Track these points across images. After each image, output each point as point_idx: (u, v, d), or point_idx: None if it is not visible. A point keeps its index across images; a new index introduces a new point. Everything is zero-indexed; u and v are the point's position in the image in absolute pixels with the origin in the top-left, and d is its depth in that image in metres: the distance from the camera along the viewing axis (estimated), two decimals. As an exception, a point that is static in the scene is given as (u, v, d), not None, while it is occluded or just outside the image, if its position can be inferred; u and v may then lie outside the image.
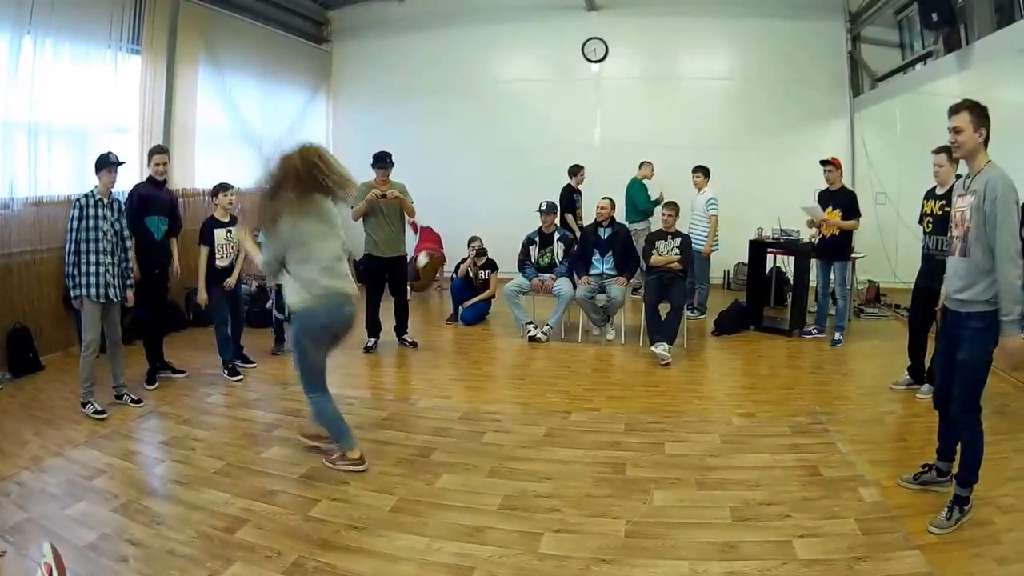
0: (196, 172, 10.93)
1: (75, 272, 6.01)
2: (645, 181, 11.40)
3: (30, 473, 4.86)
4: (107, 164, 6.19)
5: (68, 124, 8.69)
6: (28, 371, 7.46)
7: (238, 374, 7.41)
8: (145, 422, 6.04)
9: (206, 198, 10.37)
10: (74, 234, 6.02)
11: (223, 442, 5.56)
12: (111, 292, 6.16)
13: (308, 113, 14.71)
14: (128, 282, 6.44)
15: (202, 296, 7.42)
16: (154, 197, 7.13)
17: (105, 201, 6.18)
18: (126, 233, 6.46)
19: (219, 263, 7.48)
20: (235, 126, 12.30)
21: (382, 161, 8.19)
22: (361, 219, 8.20)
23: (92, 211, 6.07)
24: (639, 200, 11.18)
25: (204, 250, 7.44)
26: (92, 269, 6.04)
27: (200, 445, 5.47)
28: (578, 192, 11.61)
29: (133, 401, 6.41)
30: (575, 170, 11.68)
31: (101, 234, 6.10)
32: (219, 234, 7.49)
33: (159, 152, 7.30)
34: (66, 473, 4.89)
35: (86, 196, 6.11)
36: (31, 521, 4.15)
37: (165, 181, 7.32)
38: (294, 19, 13.97)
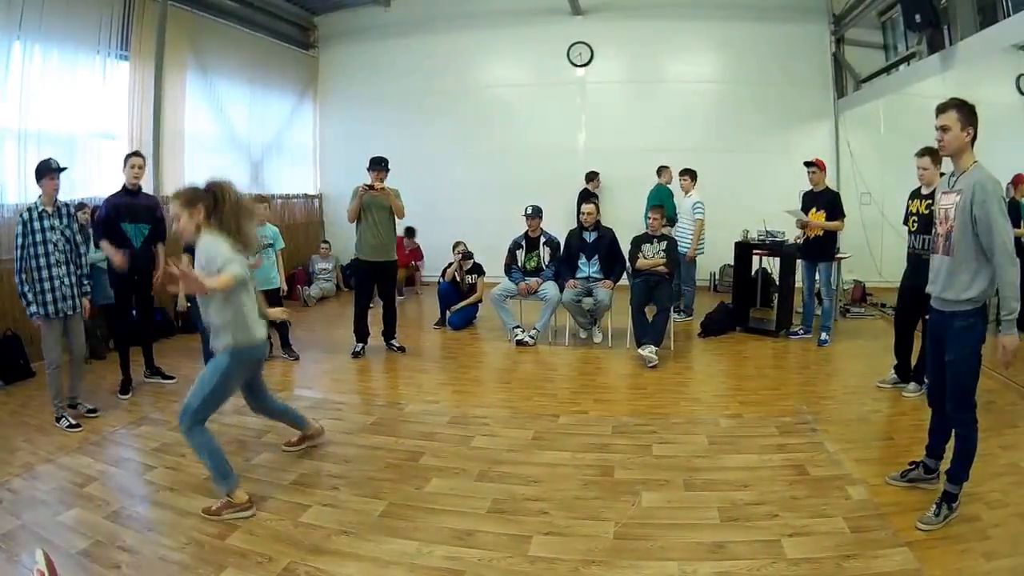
0: (185, 178, 10.84)
1: (27, 291, 5.90)
2: (669, 186, 11.37)
3: (22, 480, 4.87)
4: (48, 171, 5.99)
5: (57, 130, 8.71)
6: (19, 378, 7.47)
7: None
8: (136, 429, 6.04)
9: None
10: (20, 251, 5.87)
11: (213, 448, 5.57)
12: (67, 306, 6.08)
13: (295, 118, 14.75)
14: (85, 290, 6.31)
15: (182, 303, 7.60)
16: (125, 205, 6.99)
17: (50, 211, 6.02)
18: (79, 239, 6.30)
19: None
20: (223, 131, 12.33)
21: (377, 164, 8.24)
22: (354, 223, 8.25)
23: (37, 224, 5.91)
24: (670, 207, 11.06)
25: (186, 258, 7.39)
26: (46, 286, 5.94)
27: (190, 452, 5.43)
28: (594, 196, 11.97)
29: (88, 411, 6.33)
30: (590, 176, 12.41)
31: (51, 247, 5.96)
32: None
33: (134, 155, 7.09)
34: (58, 480, 4.90)
35: (29, 209, 5.95)
36: (23, 528, 4.16)
37: (139, 189, 7.17)
38: (281, 25, 14.02)
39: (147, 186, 9.85)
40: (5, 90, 8.05)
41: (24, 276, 5.89)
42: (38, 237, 5.92)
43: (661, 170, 11.34)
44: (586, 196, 12.10)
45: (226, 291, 4.32)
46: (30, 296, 5.92)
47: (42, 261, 5.93)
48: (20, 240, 5.88)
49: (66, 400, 6.28)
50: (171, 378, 7.45)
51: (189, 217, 4.40)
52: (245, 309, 4.49)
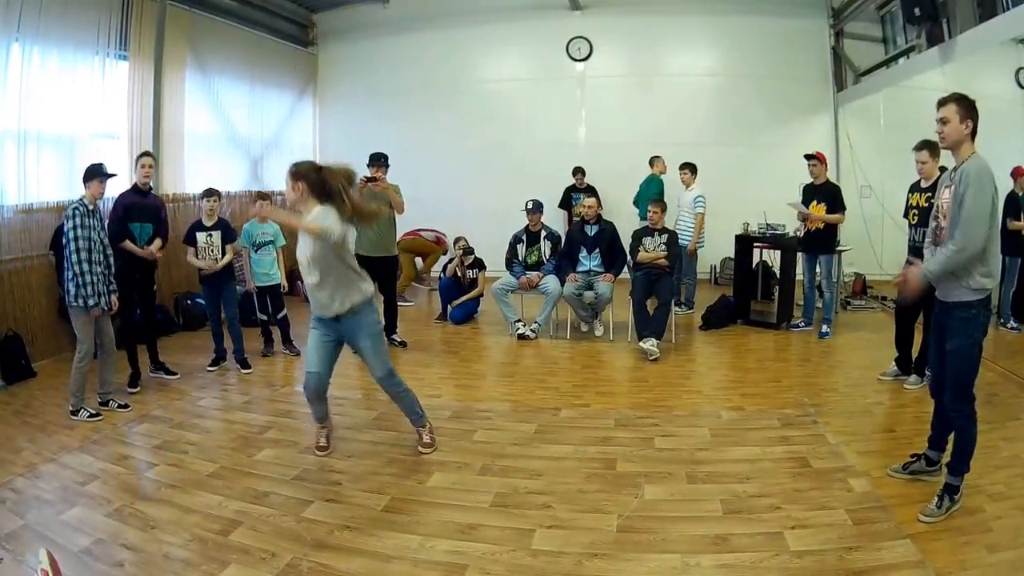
0: (185, 176, 10.94)
1: (82, 281, 5.97)
2: (663, 176, 11.29)
3: (25, 480, 4.87)
4: (99, 174, 6.18)
5: (57, 131, 8.71)
6: (20, 378, 7.44)
7: (217, 365, 7.75)
8: (138, 426, 6.04)
9: (196, 203, 10.42)
10: (75, 243, 5.96)
11: (216, 445, 5.58)
12: (103, 301, 6.16)
13: (295, 116, 14.76)
14: (111, 287, 6.38)
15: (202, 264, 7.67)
16: (138, 204, 7.13)
17: (92, 210, 6.16)
18: (106, 241, 6.39)
19: (199, 263, 7.63)
20: (223, 129, 12.32)
21: (376, 160, 8.22)
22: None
23: (86, 220, 6.04)
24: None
25: (189, 250, 7.69)
26: (90, 279, 6.01)
27: (193, 448, 5.48)
28: (576, 191, 12.24)
29: (120, 407, 6.40)
30: (574, 172, 12.36)
31: (94, 243, 6.08)
32: (200, 237, 7.65)
33: (145, 155, 7.30)
34: (60, 479, 4.90)
35: (82, 205, 6.07)
36: (27, 528, 4.16)
37: (150, 189, 7.32)
38: (279, 22, 13.99)
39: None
40: (4, 92, 8.04)
41: (79, 268, 5.97)
42: (85, 233, 6.04)
43: (654, 160, 11.31)
44: (572, 192, 12.35)
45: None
46: (84, 288, 5.99)
47: (84, 256, 6.02)
48: (74, 232, 5.98)
49: (97, 397, 6.41)
50: (174, 374, 7.48)
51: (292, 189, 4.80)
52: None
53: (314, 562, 3.77)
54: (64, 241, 6.07)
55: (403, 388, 5.28)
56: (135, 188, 7.21)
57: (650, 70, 13.64)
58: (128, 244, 7.04)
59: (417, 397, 5.41)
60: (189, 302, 9.80)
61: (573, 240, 9.13)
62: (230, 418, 6.27)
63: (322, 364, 5.10)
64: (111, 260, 6.42)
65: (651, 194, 10.69)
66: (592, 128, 13.88)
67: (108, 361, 6.45)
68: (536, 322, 9.04)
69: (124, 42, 9.70)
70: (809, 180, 8.88)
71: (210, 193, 7.81)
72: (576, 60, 13.80)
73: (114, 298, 6.39)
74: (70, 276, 5.99)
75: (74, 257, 5.96)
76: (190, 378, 7.47)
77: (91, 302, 6.01)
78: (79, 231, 5.99)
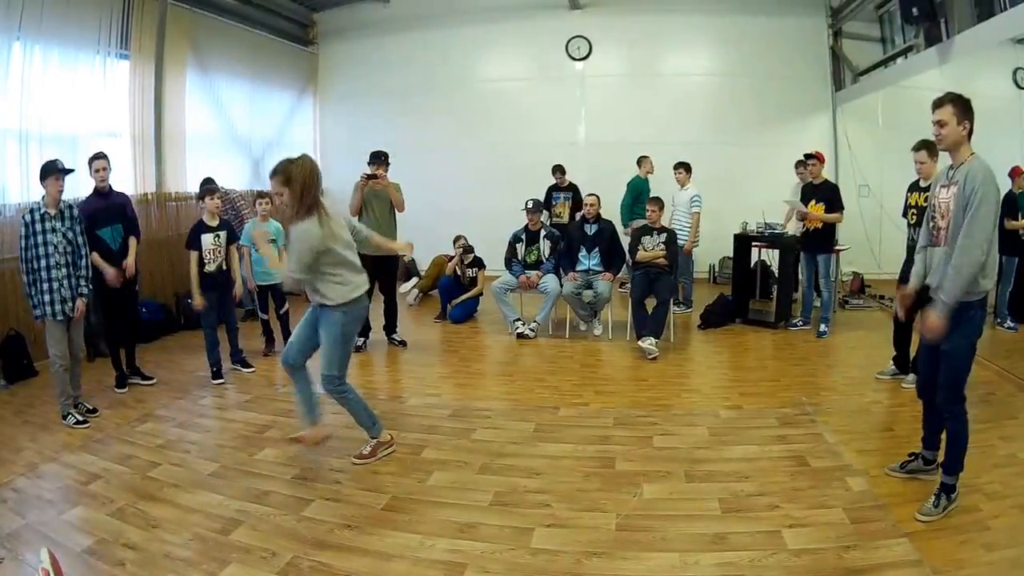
0: (187, 175, 10.96)
1: (32, 291, 5.94)
2: (649, 177, 11.34)
3: (26, 479, 4.89)
4: (53, 172, 5.98)
5: (58, 130, 8.72)
6: (23, 377, 7.46)
7: (221, 377, 7.38)
8: (140, 426, 6.04)
9: (197, 201, 10.43)
10: (24, 252, 5.91)
11: (217, 444, 5.59)
12: (68, 308, 6.06)
13: (295, 115, 14.79)
14: (82, 291, 6.22)
15: (197, 300, 7.25)
16: (101, 209, 6.95)
17: (52, 212, 6.01)
18: (80, 240, 6.27)
19: (207, 268, 7.31)
20: (224, 129, 12.34)
21: (377, 158, 8.23)
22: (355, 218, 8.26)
23: (39, 226, 5.92)
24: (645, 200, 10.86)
25: (193, 255, 7.26)
26: (44, 287, 5.93)
27: (194, 448, 5.49)
28: (557, 189, 12.10)
29: (88, 411, 6.28)
30: (553, 170, 12.15)
31: (52, 248, 5.95)
32: (207, 239, 7.30)
33: (97, 158, 7.00)
34: (62, 478, 4.92)
35: (31, 211, 5.96)
36: (28, 527, 4.17)
37: (110, 189, 7.10)
38: (280, 22, 14.03)
39: (149, 184, 9.93)
40: (6, 90, 8.07)
41: (29, 277, 5.92)
42: (38, 239, 5.92)
43: (641, 160, 11.34)
44: (553, 191, 12.26)
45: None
46: (36, 297, 5.94)
47: (42, 263, 5.93)
48: (23, 242, 5.92)
49: (71, 399, 6.28)
50: (150, 378, 7.35)
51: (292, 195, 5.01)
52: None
53: (314, 561, 3.79)
54: (17, 249, 6.05)
55: (347, 394, 5.15)
56: (95, 192, 7.04)
57: (650, 69, 13.67)
58: (96, 259, 6.71)
59: (369, 407, 5.32)
60: (190, 301, 9.77)
61: (572, 239, 9.15)
62: (231, 417, 6.28)
63: (297, 341, 5.26)
64: (83, 263, 6.28)
65: (626, 204, 11.03)
66: (592, 127, 13.90)
67: (76, 368, 6.34)
68: (535, 321, 9.06)
69: (125, 41, 9.73)
70: (808, 179, 8.88)
71: (211, 190, 7.53)
72: (576, 59, 13.81)
73: (80, 303, 6.20)
74: (27, 284, 5.96)
75: (25, 266, 5.93)
76: (192, 377, 7.48)
77: (41, 312, 5.97)
78: (30, 239, 5.91)
